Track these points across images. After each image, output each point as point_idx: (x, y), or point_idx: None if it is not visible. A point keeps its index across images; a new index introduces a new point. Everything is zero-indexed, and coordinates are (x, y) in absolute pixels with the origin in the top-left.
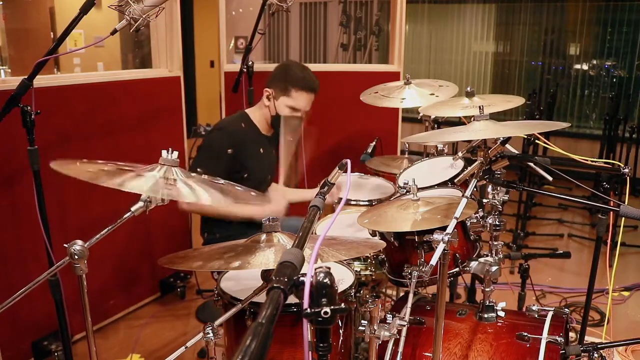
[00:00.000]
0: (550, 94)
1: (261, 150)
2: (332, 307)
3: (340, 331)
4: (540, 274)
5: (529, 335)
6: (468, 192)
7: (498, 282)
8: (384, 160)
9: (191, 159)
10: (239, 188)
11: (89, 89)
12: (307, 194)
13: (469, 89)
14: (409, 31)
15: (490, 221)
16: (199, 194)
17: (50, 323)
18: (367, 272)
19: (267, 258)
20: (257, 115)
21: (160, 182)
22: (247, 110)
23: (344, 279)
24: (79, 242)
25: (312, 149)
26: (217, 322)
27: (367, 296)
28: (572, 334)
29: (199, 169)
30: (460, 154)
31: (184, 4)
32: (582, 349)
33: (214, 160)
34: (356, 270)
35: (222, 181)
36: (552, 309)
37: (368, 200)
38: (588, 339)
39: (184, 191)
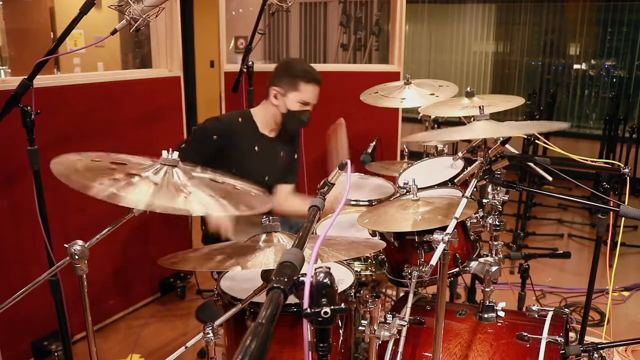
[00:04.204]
0: (550, 94)
1: (256, 148)
2: (332, 307)
3: (340, 331)
4: (540, 274)
5: (529, 335)
6: (468, 192)
7: (498, 282)
8: (384, 165)
9: None
10: (239, 187)
11: (89, 89)
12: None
13: (469, 89)
14: (409, 31)
15: (490, 221)
16: (209, 205)
17: (50, 323)
18: (367, 272)
19: (267, 258)
20: (261, 114)
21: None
22: (251, 110)
23: (344, 279)
24: (80, 242)
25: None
26: (217, 322)
27: (367, 296)
28: (572, 334)
29: (182, 145)
30: (460, 154)
31: (184, 4)
32: (582, 349)
33: (198, 142)
34: (356, 271)
35: (220, 179)
36: (552, 309)
37: (368, 201)
38: (588, 339)
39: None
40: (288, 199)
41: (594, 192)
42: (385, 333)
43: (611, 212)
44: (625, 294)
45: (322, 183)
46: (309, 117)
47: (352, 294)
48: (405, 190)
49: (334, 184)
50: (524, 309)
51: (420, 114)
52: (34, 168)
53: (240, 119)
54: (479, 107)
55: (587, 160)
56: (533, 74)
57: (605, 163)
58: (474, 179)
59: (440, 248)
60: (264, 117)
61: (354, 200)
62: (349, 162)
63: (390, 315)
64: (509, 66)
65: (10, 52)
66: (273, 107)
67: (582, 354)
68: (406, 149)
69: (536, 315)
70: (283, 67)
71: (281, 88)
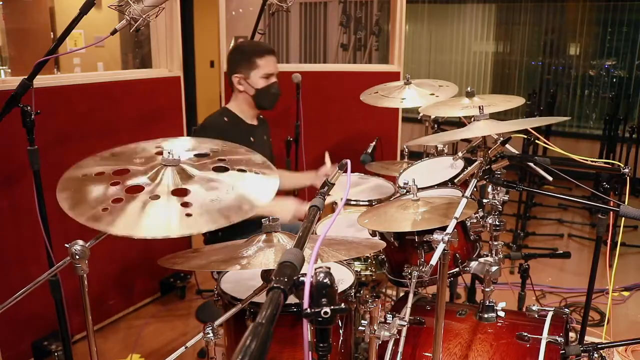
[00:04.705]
0: (550, 94)
1: (252, 139)
2: (332, 307)
3: (340, 331)
4: (540, 274)
5: (529, 335)
6: (468, 192)
7: (498, 282)
8: (384, 165)
9: None
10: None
11: (89, 89)
12: (302, 179)
13: (469, 89)
14: (409, 31)
15: (490, 221)
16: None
17: (50, 323)
18: (367, 272)
19: (267, 258)
20: (237, 107)
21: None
22: (227, 106)
23: (344, 279)
24: (80, 242)
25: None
26: (217, 322)
27: (367, 296)
28: (572, 334)
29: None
30: (460, 154)
31: (184, 4)
32: (582, 349)
33: None
34: (356, 270)
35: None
36: (552, 309)
37: (368, 200)
38: (588, 339)
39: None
40: (283, 175)
41: (594, 192)
42: (385, 333)
43: (611, 212)
44: (625, 294)
45: (322, 183)
46: (278, 88)
47: (352, 294)
48: (405, 190)
49: (334, 184)
50: (524, 309)
51: (420, 114)
52: (34, 168)
53: (225, 119)
54: (479, 107)
55: (587, 160)
56: (533, 74)
57: (605, 163)
58: (474, 179)
59: (440, 248)
60: (242, 108)
61: (354, 200)
62: (349, 162)
63: (390, 315)
64: (509, 66)
65: (10, 52)
66: (243, 94)
67: (582, 354)
68: (406, 149)
69: (536, 315)
70: (235, 54)
71: (241, 73)
